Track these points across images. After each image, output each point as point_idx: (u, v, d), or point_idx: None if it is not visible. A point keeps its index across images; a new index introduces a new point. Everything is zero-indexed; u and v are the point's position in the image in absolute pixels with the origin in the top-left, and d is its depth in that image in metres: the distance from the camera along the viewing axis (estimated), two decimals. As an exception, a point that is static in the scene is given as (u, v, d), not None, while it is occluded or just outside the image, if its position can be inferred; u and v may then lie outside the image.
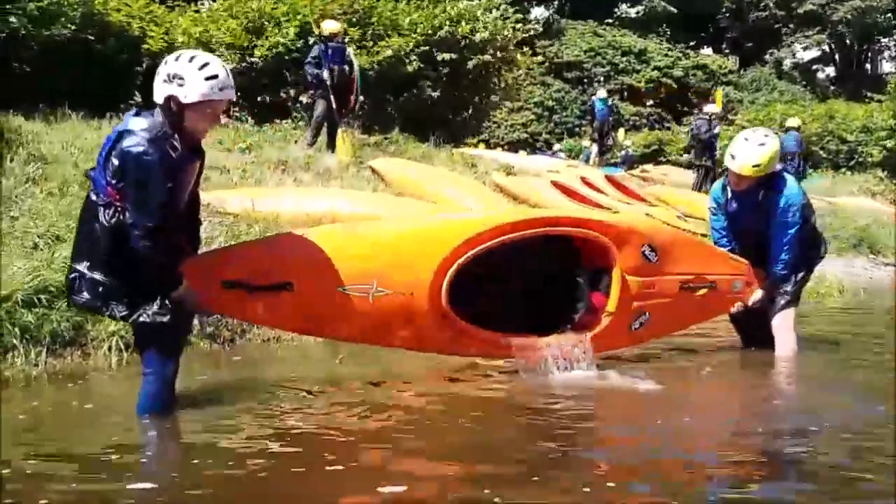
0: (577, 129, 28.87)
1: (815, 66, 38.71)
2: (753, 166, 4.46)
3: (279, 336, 5.02)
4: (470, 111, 14.96)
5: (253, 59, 12.25)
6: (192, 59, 3.06)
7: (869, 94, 25.64)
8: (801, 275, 4.73)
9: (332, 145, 10.15)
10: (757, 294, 4.73)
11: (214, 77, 3.03)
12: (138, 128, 3.00)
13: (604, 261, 4.28)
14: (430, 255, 3.81)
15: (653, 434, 3.28)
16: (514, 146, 25.89)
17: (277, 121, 11.79)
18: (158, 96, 3.06)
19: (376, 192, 8.86)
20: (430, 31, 12.85)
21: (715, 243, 4.90)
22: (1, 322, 4.11)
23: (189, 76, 3.00)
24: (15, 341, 4.11)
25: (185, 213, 3.27)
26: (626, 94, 32.30)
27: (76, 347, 4.33)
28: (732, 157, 4.50)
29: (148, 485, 2.57)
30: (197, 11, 12.93)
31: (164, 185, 2.99)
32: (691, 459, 2.98)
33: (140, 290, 3.09)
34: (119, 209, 3.02)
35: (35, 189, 6.15)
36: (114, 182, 3.00)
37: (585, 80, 31.58)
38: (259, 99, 12.34)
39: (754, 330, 4.84)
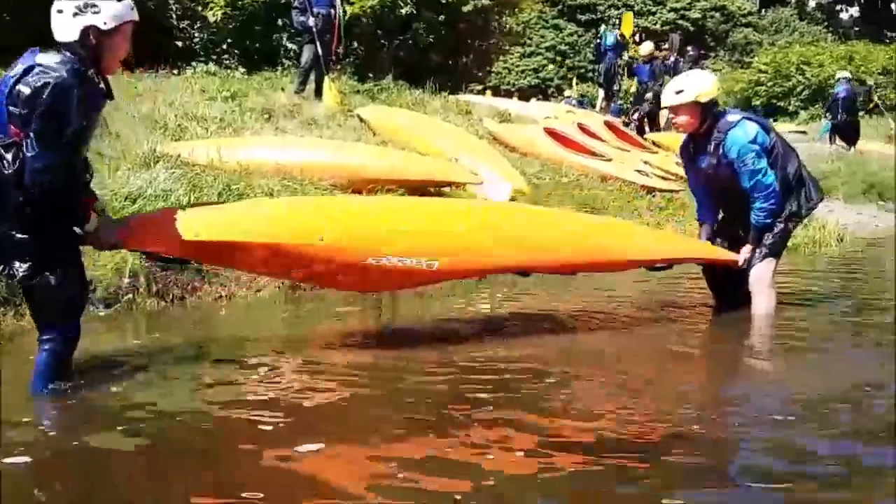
0: (590, 75, 28.19)
1: (837, 7, 37.45)
2: (676, 92, 4.34)
3: (232, 294, 4.86)
4: (471, 57, 14.56)
5: (244, 4, 11.92)
6: None
7: (892, 35, 24.78)
8: (779, 227, 4.42)
9: (319, 93, 9.86)
10: (745, 251, 4.44)
11: None
12: (52, 62, 2.83)
13: None
14: None
15: (606, 406, 3.08)
16: (525, 93, 25.37)
17: (267, 68, 11.47)
18: (71, 32, 2.89)
19: (360, 140, 8.59)
20: (425, -27, 12.43)
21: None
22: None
23: (102, 2, 2.90)
24: (-57, 302, 3.96)
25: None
26: (642, 36, 31.44)
27: (10, 308, 4.16)
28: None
29: (22, 459, 2.42)
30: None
31: (78, 120, 2.83)
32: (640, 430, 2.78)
33: (48, 247, 2.89)
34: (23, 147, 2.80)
35: None
36: (20, 112, 2.78)
37: (600, 23, 30.72)
38: (249, 45, 12.04)
39: (731, 288, 4.57)
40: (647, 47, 14.23)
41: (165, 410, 2.93)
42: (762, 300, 4.44)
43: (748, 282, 4.46)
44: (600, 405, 3.04)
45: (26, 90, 2.78)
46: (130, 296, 4.51)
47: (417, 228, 3.86)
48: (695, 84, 4.35)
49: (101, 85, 3.01)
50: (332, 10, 9.71)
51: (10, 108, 2.81)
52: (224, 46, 12.09)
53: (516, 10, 15.18)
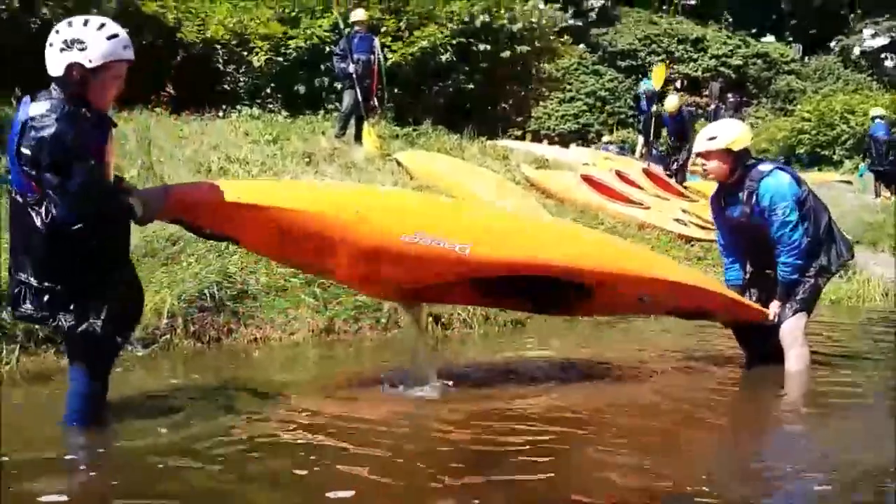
0: (630, 121, 28.23)
1: (883, 55, 37.13)
2: (709, 139, 4.31)
3: (266, 337, 4.92)
4: (510, 102, 14.68)
5: (288, 50, 12.21)
6: (86, 22, 2.89)
7: (939, 84, 24.46)
8: (809, 282, 4.34)
9: (359, 137, 10.03)
10: (774, 306, 4.37)
11: (115, 36, 2.89)
12: (41, 112, 2.82)
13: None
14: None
15: (626, 464, 3.03)
16: (564, 139, 25.44)
17: (309, 112, 11.70)
18: (57, 68, 2.86)
19: (397, 185, 8.69)
20: (466, 21, 12.62)
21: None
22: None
23: (90, 39, 2.85)
24: (-13, 339, 4.07)
25: None
26: (683, 83, 31.41)
27: (52, 345, 4.26)
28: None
29: (60, 498, 2.47)
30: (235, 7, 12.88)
31: (87, 163, 2.82)
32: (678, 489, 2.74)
33: (87, 295, 2.94)
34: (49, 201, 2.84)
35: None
36: (30, 172, 2.82)
37: (640, 70, 30.83)
38: (292, 89, 12.29)
39: (760, 342, 4.50)
40: (672, 102, 13.82)
41: (199, 452, 2.96)
42: (794, 356, 4.34)
43: (779, 336, 4.39)
44: (620, 463, 2.98)
45: (28, 152, 2.80)
46: (168, 336, 4.61)
47: (451, 213, 3.87)
48: (727, 131, 4.33)
49: (99, 117, 2.95)
50: (372, 57, 9.92)
51: (24, 168, 2.83)
52: (268, 90, 12.37)
53: (556, 56, 15.27)
